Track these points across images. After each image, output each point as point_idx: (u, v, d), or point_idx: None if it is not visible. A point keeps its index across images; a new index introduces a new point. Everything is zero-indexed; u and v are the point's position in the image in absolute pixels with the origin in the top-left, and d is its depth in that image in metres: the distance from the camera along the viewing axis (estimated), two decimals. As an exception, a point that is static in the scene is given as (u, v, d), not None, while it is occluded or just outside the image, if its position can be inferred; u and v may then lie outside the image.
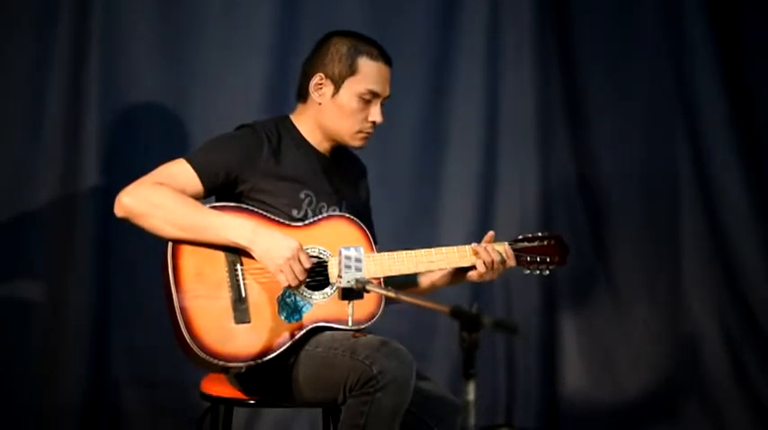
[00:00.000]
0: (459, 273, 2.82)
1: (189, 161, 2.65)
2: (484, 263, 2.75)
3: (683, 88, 4.24)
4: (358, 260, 2.39)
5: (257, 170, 2.69)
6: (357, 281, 2.38)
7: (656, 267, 4.24)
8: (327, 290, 2.66)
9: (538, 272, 2.87)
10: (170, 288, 2.56)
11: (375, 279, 2.67)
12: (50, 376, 3.64)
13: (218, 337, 2.55)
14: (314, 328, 2.63)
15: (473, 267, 2.78)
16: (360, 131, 2.76)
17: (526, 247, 2.84)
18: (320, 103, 2.76)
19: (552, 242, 2.87)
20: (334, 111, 2.75)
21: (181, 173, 2.64)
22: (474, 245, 2.78)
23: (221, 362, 2.56)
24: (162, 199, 2.59)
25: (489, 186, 4.18)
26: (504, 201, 4.19)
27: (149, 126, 3.78)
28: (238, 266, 2.61)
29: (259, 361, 2.57)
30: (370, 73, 2.73)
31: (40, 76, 3.64)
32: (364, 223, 2.76)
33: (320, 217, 2.72)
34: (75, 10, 3.66)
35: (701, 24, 4.20)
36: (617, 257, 4.25)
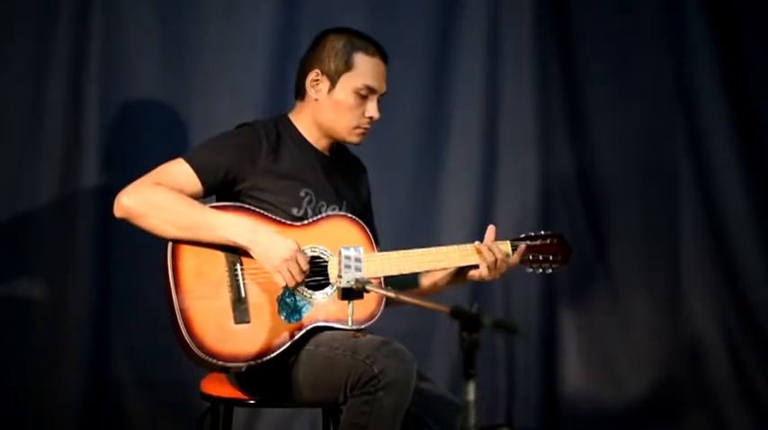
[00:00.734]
0: (462, 273, 2.81)
1: (187, 160, 2.65)
2: (487, 261, 2.75)
3: (683, 88, 4.24)
4: (358, 260, 2.39)
5: (256, 169, 2.69)
6: (357, 281, 2.38)
7: (656, 267, 4.24)
8: (327, 290, 2.65)
9: (540, 270, 2.87)
10: (170, 288, 2.56)
11: (375, 279, 2.67)
12: (50, 376, 3.64)
13: (217, 337, 2.55)
14: (314, 328, 2.63)
15: (475, 266, 2.77)
16: (357, 127, 2.76)
17: (528, 246, 2.84)
18: (317, 99, 2.76)
19: (555, 241, 2.87)
20: (331, 107, 2.75)
21: (179, 172, 2.64)
22: (477, 243, 2.77)
23: (221, 363, 2.56)
24: (161, 199, 2.59)
25: (489, 186, 4.18)
26: (504, 200, 4.19)
27: (149, 126, 3.78)
28: (238, 266, 2.61)
29: (259, 361, 2.57)
30: (365, 68, 2.74)
31: (40, 76, 3.64)
32: (365, 222, 2.76)
33: (321, 216, 2.72)
34: (75, 10, 3.66)
35: (701, 24, 4.20)
36: (617, 257, 4.25)
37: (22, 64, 3.64)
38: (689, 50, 4.23)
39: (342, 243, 2.55)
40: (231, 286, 2.59)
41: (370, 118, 2.76)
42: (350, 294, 2.40)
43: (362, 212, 2.86)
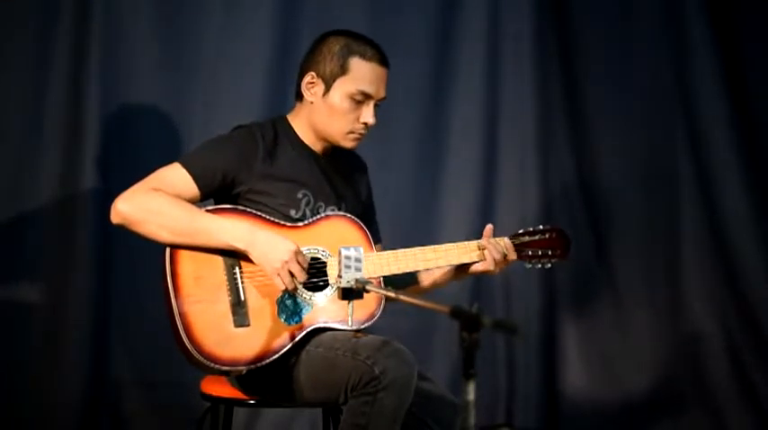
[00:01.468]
0: (462, 268, 2.81)
1: (184, 165, 2.64)
2: (493, 259, 2.75)
3: (683, 88, 4.24)
4: (358, 260, 2.39)
5: (253, 171, 2.68)
6: (357, 281, 2.37)
7: (656, 267, 4.24)
8: (327, 290, 2.65)
9: (540, 265, 2.86)
10: (169, 293, 2.56)
11: (375, 278, 2.67)
12: (50, 376, 3.64)
13: (217, 341, 2.55)
14: (314, 329, 2.62)
15: (474, 262, 2.77)
16: (351, 132, 2.74)
17: (527, 241, 2.84)
18: (312, 102, 2.74)
19: (554, 235, 2.86)
20: (325, 111, 2.73)
21: (176, 177, 2.63)
22: (476, 241, 2.77)
23: (221, 367, 2.56)
24: (158, 205, 2.58)
25: (489, 186, 4.18)
26: (504, 200, 4.19)
27: (149, 126, 3.78)
28: (237, 270, 2.60)
29: (259, 364, 2.57)
30: (361, 73, 2.71)
31: (40, 76, 3.64)
32: (365, 221, 2.75)
33: (319, 217, 2.71)
34: (75, 10, 3.66)
35: (701, 25, 4.20)
36: (617, 257, 4.25)
37: (22, 64, 3.64)
38: (689, 50, 4.23)
39: (340, 243, 2.55)
40: (230, 289, 2.59)
41: (365, 123, 2.74)
42: (350, 294, 2.40)
43: (362, 211, 2.85)
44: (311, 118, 2.76)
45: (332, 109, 2.72)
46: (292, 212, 2.69)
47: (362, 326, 2.62)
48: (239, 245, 2.57)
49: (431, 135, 4.13)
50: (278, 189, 2.69)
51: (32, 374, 3.64)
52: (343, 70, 2.71)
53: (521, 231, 2.84)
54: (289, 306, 2.61)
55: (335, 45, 2.73)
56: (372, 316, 2.65)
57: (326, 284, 2.65)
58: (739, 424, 4.11)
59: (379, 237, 2.88)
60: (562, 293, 4.24)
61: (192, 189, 2.63)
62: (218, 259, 2.60)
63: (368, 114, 2.73)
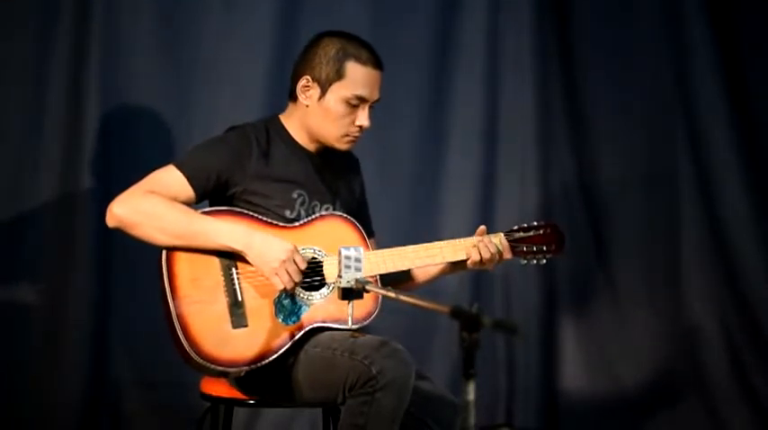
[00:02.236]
0: (455, 263, 2.82)
1: (178, 167, 2.64)
2: (482, 256, 2.75)
3: (683, 88, 4.24)
4: (357, 260, 2.39)
5: (247, 172, 2.68)
6: (357, 281, 2.38)
7: (656, 267, 4.24)
8: (324, 290, 2.65)
9: (535, 261, 2.86)
10: (166, 295, 2.56)
11: (371, 277, 2.67)
12: (50, 376, 3.64)
13: (215, 343, 2.55)
14: (312, 329, 2.62)
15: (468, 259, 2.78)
16: (346, 135, 2.74)
17: (522, 237, 2.84)
18: (307, 106, 2.74)
19: (548, 231, 2.86)
20: (320, 115, 2.73)
21: (171, 179, 2.63)
22: (470, 239, 2.78)
23: (220, 368, 2.56)
24: (153, 208, 2.58)
25: (489, 186, 4.18)
26: (504, 201, 4.19)
27: (149, 126, 3.78)
28: (234, 270, 2.60)
29: (258, 364, 2.57)
30: (357, 77, 2.70)
31: (40, 76, 3.64)
32: (359, 219, 2.76)
33: (314, 217, 2.71)
34: (75, 10, 3.66)
35: (701, 24, 4.20)
36: (617, 257, 4.25)
37: (22, 64, 3.64)
38: (689, 50, 4.23)
39: (336, 243, 2.56)
40: (227, 290, 2.59)
41: (360, 126, 2.74)
42: (350, 294, 2.40)
43: (356, 208, 2.85)
44: (306, 120, 2.76)
45: (327, 113, 2.72)
46: (287, 213, 2.69)
47: (360, 325, 2.62)
48: (236, 246, 2.57)
49: (431, 135, 4.12)
50: (273, 190, 2.69)
51: (32, 374, 3.64)
52: (339, 75, 2.70)
53: (515, 227, 2.85)
54: (286, 306, 2.61)
55: (331, 48, 2.72)
56: (370, 314, 2.65)
57: (323, 284, 2.66)
58: (739, 423, 4.11)
59: (371, 230, 2.89)
60: (562, 293, 4.24)
61: (187, 191, 2.63)
62: (215, 260, 2.60)
63: (363, 117, 2.73)
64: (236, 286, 2.59)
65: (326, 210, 2.75)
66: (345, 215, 2.74)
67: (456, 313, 1.95)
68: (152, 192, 2.60)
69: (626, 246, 4.25)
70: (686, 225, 4.22)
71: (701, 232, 4.21)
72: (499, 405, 4.15)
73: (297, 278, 2.57)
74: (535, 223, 2.87)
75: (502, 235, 2.83)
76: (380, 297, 2.65)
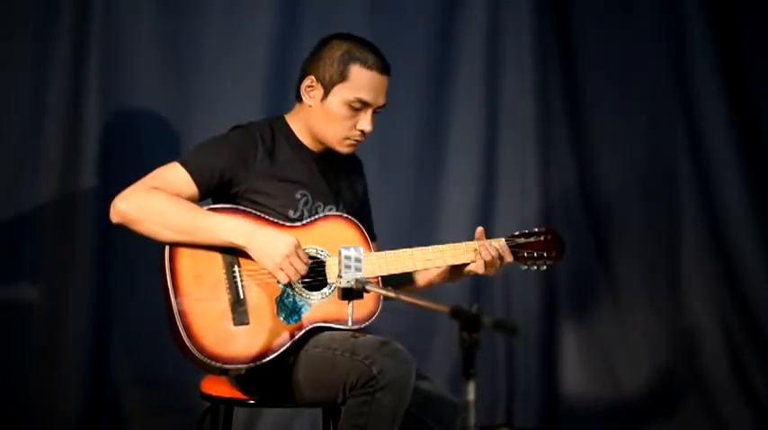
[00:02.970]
0: (457, 268, 2.82)
1: (183, 164, 2.65)
2: (483, 260, 2.75)
3: (683, 88, 4.24)
4: (358, 260, 2.39)
5: (252, 171, 2.68)
6: (357, 281, 2.38)
7: (656, 267, 4.24)
8: (325, 290, 2.65)
9: (535, 267, 2.87)
10: (168, 291, 2.56)
11: (373, 278, 2.67)
12: (50, 376, 3.64)
13: (217, 340, 2.55)
14: (313, 329, 2.62)
15: (470, 263, 2.78)
16: (347, 138, 2.74)
17: (523, 243, 2.84)
18: (310, 106, 2.74)
19: (549, 237, 2.86)
20: (322, 116, 2.73)
21: (175, 176, 2.63)
22: (472, 242, 2.78)
23: (221, 365, 2.56)
24: (157, 203, 2.58)
25: (489, 187, 4.19)
26: (504, 201, 4.19)
27: (150, 126, 3.78)
28: (236, 268, 2.60)
29: (258, 362, 2.57)
30: (360, 81, 2.70)
31: (40, 76, 3.64)
32: (362, 220, 2.76)
33: (317, 217, 2.71)
34: (75, 10, 3.66)
35: (701, 24, 4.20)
36: (617, 257, 4.26)
37: (22, 64, 3.64)
38: (689, 50, 4.23)
39: (338, 243, 2.56)
40: (229, 288, 2.59)
41: (362, 131, 2.74)
42: (350, 294, 2.40)
43: (359, 210, 2.86)
44: (309, 120, 2.76)
45: (329, 114, 2.72)
46: (290, 212, 2.70)
47: (361, 326, 2.63)
48: (239, 242, 2.58)
49: (431, 135, 4.13)
50: (276, 189, 2.69)
51: (32, 374, 3.64)
52: (342, 77, 2.70)
53: (516, 233, 2.85)
54: (288, 305, 2.62)
55: (337, 50, 2.72)
56: (371, 315, 2.65)
57: (325, 284, 2.66)
58: (739, 424, 4.11)
59: (373, 233, 2.89)
60: (562, 293, 4.24)
61: (190, 188, 2.64)
62: (218, 257, 2.60)
63: (365, 122, 2.72)
64: (239, 284, 2.59)
65: (329, 210, 2.75)
66: (348, 216, 2.74)
67: (456, 313, 1.95)
68: (156, 188, 2.60)
69: (626, 246, 4.25)
70: (686, 225, 4.23)
71: (701, 232, 4.22)
72: (499, 405, 4.15)
73: (302, 271, 2.57)
74: (536, 229, 2.87)
75: (503, 240, 2.82)
76: (381, 298, 2.65)
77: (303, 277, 2.61)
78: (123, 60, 3.73)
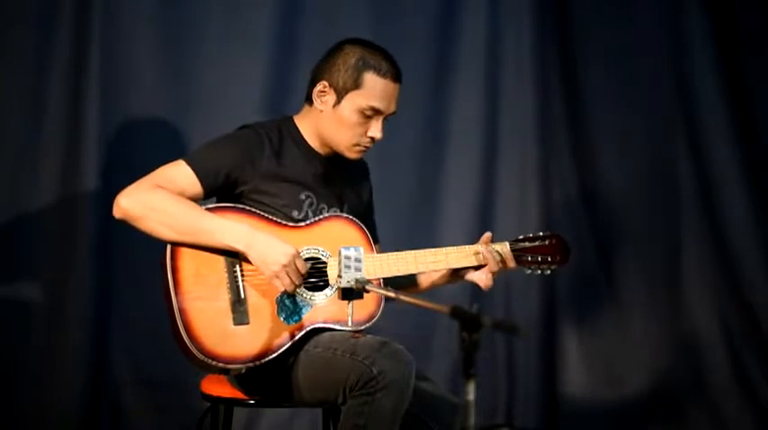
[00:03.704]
0: (459, 272, 2.82)
1: (188, 163, 2.65)
2: (485, 264, 2.75)
3: (683, 88, 4.24)
4: (358, 260, 2.39)
5: (257, 171, 2.68)
6: (357, 281, 2.38)
7: (656, 268, 4.24)
8: (327, 291, 2.65)
9: (539, 271, 2.86)
10: (169, 289, 2.56)
11: (375, 280, 2.67)
12: (50, 376, 3.64)
13: (217, 339, 2.55)
14: (313, 329, 2.62)
15: (473, 267, 2.78)
16: (357, 145, 2.74)
17: (527, 247, 2.83)
18: (321, 111, 2.74)
19: (553, 241, 2.86)
20: (334, 122, 2.72)
21: (180, 174, 2.63)
22: (475, 246, 2.77)
23: (220, 364, 2.56)
24: (160, 202, 2.58)
25: (489, 187, 4.18)
26: (504, 201, 4.19)
27: (149, 126, 3.77)
28: (237, 268, 2.60)
29: (258, 362, 2.57)
30: (374, 89, 2.70)
31: (40, 76, 3.64)
32: (365, 223, 2.76)
33: (320, 217, 2.71)
34: (75, 10, 3.66)
35: (701, 24, 4.20)
36: (617, 257, 4.25)
37: (23, 64, 3.63)
38: (689, 50, 4.23)
39: (341, 244, 2.55)
40: (230, 287, 2.59)
41: (372, 138, 2.74)
42: (350, 294, 2.40)
43: (363, 213, 2.86)
44: (319, 125, 2.76)
45: (341, 120, 2.72)
46: (294, 213, 2.70)
47: (362, 328, 2.62)
48: (238, 246, 2.58)
49: (431, 136, 4.12)
50: (281, 189, 2.69)
51: (32, 374, 3.64)
52: (356, 84, 2.70)
53: (521, 237, 2.84)
54: (288, 305, 2.62)
55: (351, 57, 2.71)
56: (372, 316, 2.65)
57: (326, 284, 2.66)
58: (739, 424, 4.11)
59: (377, 237, 2.88)
60: (562, 293, 4.24)
61: (195, 187, 2.64)
62: (219, 257, 2.60)
63: (376, 129, 2.72)
64: (239, 283, 2.59)
65: (334, 212, 2.75)
66: (351, 217, 2.74)
67: (456, 313, 1.95)
68: (160, 186, 2.60)
69: (626, 246, 4.25)
70: (686, 225, 4.23)
71: (701, 232, 4.22)
72: (499, 405, 4.15)
73: (297, 281, 2.57)
74: (541, 233, 2.86)
75: (507, 244, 2.82)
76: (383, 299, 2.65)
77: (304, 279, 2.61)
78: (123, 61, 3.73)
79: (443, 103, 4.13)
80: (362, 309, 2.61)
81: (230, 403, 2.76)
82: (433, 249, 2.75)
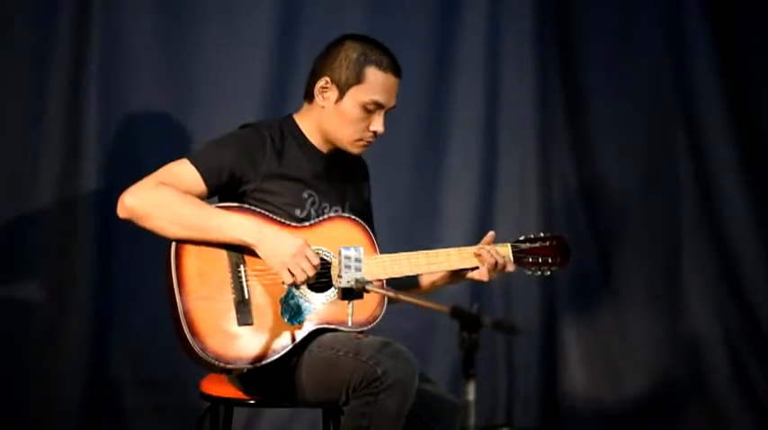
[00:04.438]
0: (460, 272, 2.82)
1: (192, 161, 2.65)
2: (486, 265, 2.75)
3: (683, 88, 4.24)
4: (358, 260, 2.39)
5: (260, 170, 2.68)
6: (357, 281, 2.38)
7: (656, 267, 4.24)
8: (330, 292, 2.65)
9: (540, 273, 2.86)
10: (173, 289, 2.56)
11: (377, 281, 2.67)
12: (50, 376, 3.64)
13: (220, 339, 2.55)
14: (316, 330, 2.62)
15: (474, 268, 2.78)
16: (360, 139, 2.74)
17: (528, 248, 2.84)
18: (323, 107, 2.74)
19: (554, 243, 2.86)
20: (336, 117, 2.73)
21: (184, 173, 2.63)
22: (476, 247, 2.77)
23: (223, 364, 2.56)
24: (166, 199, 2.58)
25: (489, 187, 4.18)
26: (504, 201, 4.19)
27: (149, 126, 3.77)
28: (241, 268, 2.60)
29: (261, 363, 2.57)
30: (376, 83, 2.71)
31: (40, 76, 3.64)
32: (366, 223, 2.76)
33: (323, 218, 2.71)
34: (76, 10, 3.66)
35: (701, 24, 4.20)
36: (617, 257, 4.25)
37: (22, 64, 3.63)
38: (689, 50, 4.23)
39: (344, 244, 2.54)
40: (234, 287, 2.59)
41: (375, 132, 2.74)
42: (350, 294, 2.40)
43: (364, 213, 2.86)
44: (321, 121, 2.76)
45: (343, 116, 2.72)
46: (297, 212, 2.70)
47: (364, 329, 2.62)
48: (248, 239, 2.58)
49: (431, 135, 4.13)
50: (284, 188, 2.70)
51: (32, 374, 3.64)
52: (358, 79, 2.70)
53: (521, 238, 2.85)
54: (292, 306, 2.61)
55: (353, 52, 2.72)
56: (374, 318, 2.65)
57: (330, 285, 2.65)
58: (739, 424, 4.11)
59: (375, 238, 2.89)
60: (562, 293, 4.24)
61: (199, 185, 2.64)
62: (223, 256, 2.60)
63: (378, 123, 2.73)
64: (243, 283, 2.59)
65: (335, 212, 2.75)
66: (354, 217, 2.74)
67: (456, 313, 1.95)
68: (165, 184, 2.60)
69: (626, 245, 4.25)
70: (686, 225, 4.23)
71: (701, 232, 4.22)
72: (499, 405, 4.15)
73: (310, 272, 2.57)
74: (542, 234, 2.86)
75: (508, 245, 2.82)
76: (385, 301, 2.65)
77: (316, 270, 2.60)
78: (123, 61, 3.73)
79: (443, 102, 4.13)
80: (365, 311, 2.61)
81: (230, 403, 2.76)
82: (434, 250, 2.75)
